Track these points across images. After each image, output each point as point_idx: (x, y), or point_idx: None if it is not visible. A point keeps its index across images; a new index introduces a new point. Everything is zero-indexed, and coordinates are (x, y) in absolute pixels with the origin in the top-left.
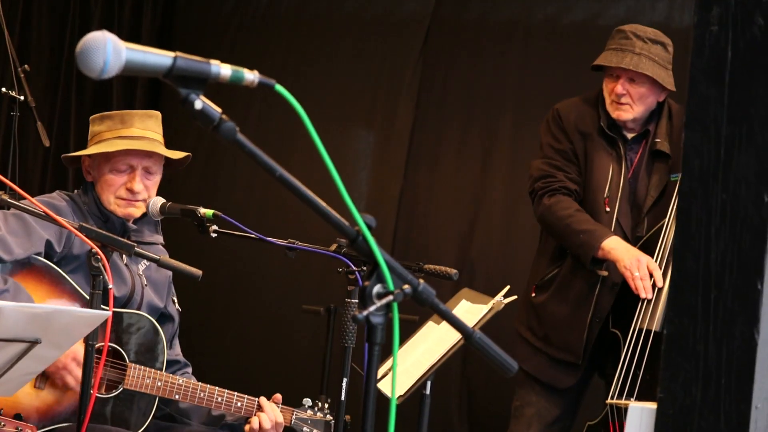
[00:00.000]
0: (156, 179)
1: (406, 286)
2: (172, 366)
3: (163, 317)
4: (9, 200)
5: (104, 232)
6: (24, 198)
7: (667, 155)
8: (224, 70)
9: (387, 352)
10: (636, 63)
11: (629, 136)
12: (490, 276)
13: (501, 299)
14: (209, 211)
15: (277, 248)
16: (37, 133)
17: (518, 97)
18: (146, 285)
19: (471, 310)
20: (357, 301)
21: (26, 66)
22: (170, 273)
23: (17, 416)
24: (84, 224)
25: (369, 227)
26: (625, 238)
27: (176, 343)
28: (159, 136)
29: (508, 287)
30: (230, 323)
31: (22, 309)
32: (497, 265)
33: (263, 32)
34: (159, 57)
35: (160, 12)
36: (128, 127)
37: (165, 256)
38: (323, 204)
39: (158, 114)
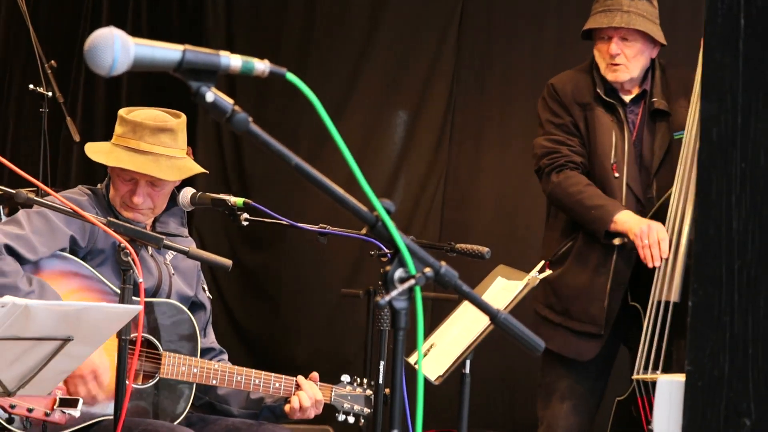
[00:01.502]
0: (164, 190)
1: (427, 270)
2: (208, 353)
3: (195, 305)
4: (33, 198)
5: (132, 227)
6: (48, 194)
7: (667, 113)
8: (234, 61)
9: (425, 332)
10: (627, 20)
11: (627, 99)
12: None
13: (536, 275)
14: (239, 200)
15: (310, 234)
16: (67, 129)
17: (557, 67)
18: (174, 274)
19: (507, 287)
20: None
21: (53, 62)
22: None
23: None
24: (112, 219)
25: (388, 212)
26: (637, 201)
27: (210, 330)
28: (171, 149)
29: (542, 262)
30: (268, 311)
31: (52, 307)
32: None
33: (294, 17)
34: (168, 51)
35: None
36: (137, 139)
37: (193, 247)
38: (341, 191)
39: (177, 123)
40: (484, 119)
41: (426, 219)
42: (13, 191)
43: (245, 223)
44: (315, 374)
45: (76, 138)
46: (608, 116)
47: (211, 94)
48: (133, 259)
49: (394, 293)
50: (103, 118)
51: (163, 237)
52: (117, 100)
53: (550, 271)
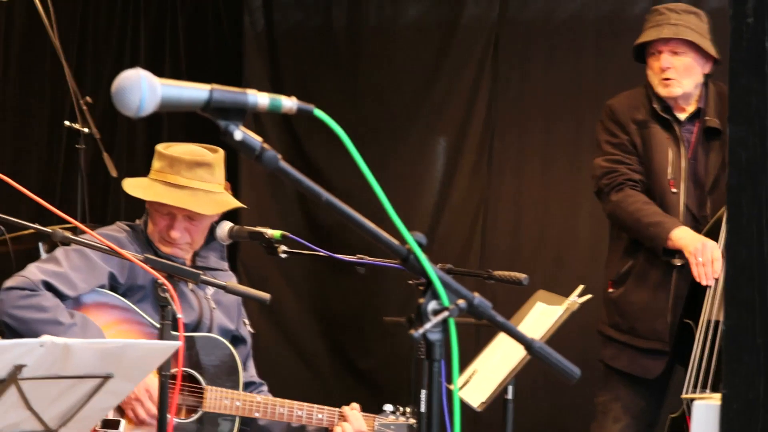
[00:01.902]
0: (202, 224)
1: (461, 301)
2: (248, 387)
3: (236, 339)
4: (69, 236)
5: (169, 263)
6: (85, 232)
7: (720, 131)
8: (261, 99)
9: (467, 360)
10: (675, 31)
11: (682, 117)
12: (581, 277)
13: (576, 299)
14: (277, 233)
15: (347, 264)
16: (104, 165)
17: (596, 92)
18: (215, 308)
19: (546, 312)
20: None
21: (87, 98)
22: None
23: None
24: (149, 256)
25: (419, 245)
26: (693, 218)
27: (251, 364)
28: (208, 184)
29: (581, 287)
30: (309, 341)
31: (91, 345)
32: (586, 266)
33: (333, 44)
34: (195, 91)
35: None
36: (174, 173)
37: (232, 281)
38: (371, 225)
39: (214, 158)
40: (523, 145)
41: (467, 246)
42: (50, 230)
43: (284, 256)
44: (356, 405)
45: (114, 173)
46: (664, 133)
47: (239, 133)
48: (171, 295)
49: (428, 325)
50: (143, 154)
51: (200, 272)
52: (158, 136)
53: (590, 296)
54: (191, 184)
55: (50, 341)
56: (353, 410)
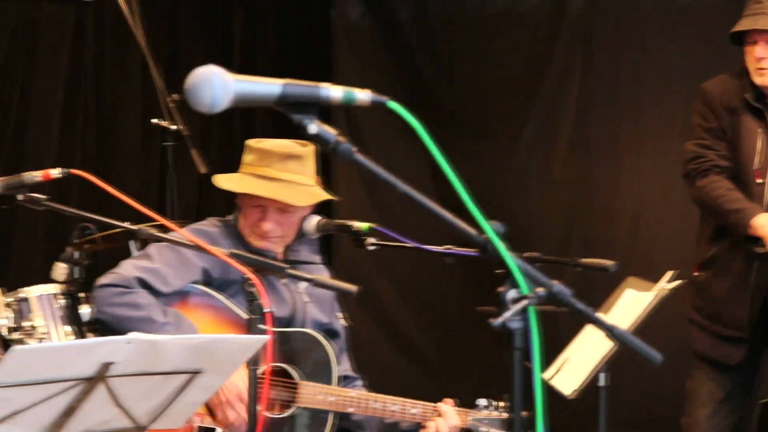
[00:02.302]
0: (295, 217)
1: (540, 289)
2: (343, 381)
3: (330, 333)
4: (154, 233)
5: (255, 257)
6: (172, 230)
7: None
8: (335, 92)
9: (558, 348)
10: None
11: None
12: (674, 263)
13: (665, 285)
14: (364, 225)
15: (429, 254)
16: (192, 161)
17: (687, 77)
18: (308, 302)
19: (636, 299)
20: None
21: (175, 95)
22: None
23: None
24: (235, 251)
25: (497, 234)
26: None
27: (345, 358)
28: (300, 176)
29: (671, 272)
30: (410, 334)
31: (180, 341)
32: (678, 253)
33: (425, 34)
34: (268, 86)
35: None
36: (265, 166)
37: (323, 275)
38: (449, 215)
39: (305, 151)
40: (615, 132)
41: (561, 234)
42: (136, 228)
43: (371, 248)
44: (450, 400)
45: (202, 170)
46: (755, 122)
47: (314, 126)
48: (258, 289)
49: (507, 314)
50: (235, 151)
51: (286, 266)
52: (251, 133)
53: (681, 281)
54: (282, 176)
55: (138, 338)
56: (447, 405)
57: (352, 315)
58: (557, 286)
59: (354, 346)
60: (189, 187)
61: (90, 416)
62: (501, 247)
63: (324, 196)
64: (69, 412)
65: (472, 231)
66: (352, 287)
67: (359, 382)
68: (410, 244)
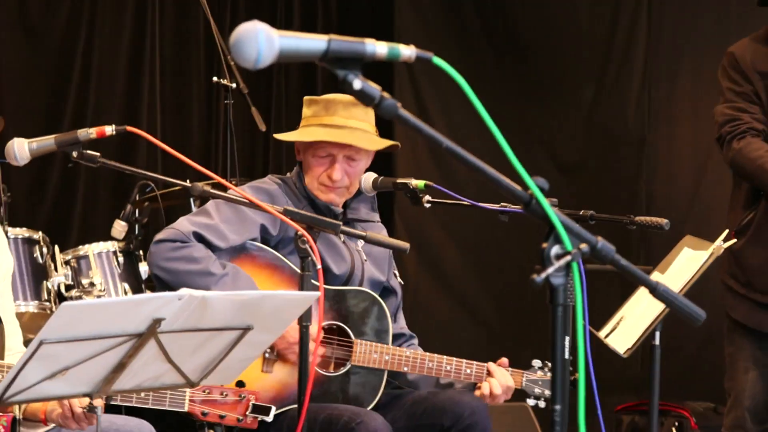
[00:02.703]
0: (360, 166)
1: (583, 245)
2: (398, 339)
3: (386, 291)
4: (208, 190)
5: (308, 214)
6: (227, 188)
7: None
8: (380, 48)
9: (612, 306)
10: None
11: None
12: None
13: (721, 244)
14: (421, 182)
15: (491, 213)
16: (253, 119)
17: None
18: (366, 260)
19: (693, 257)
20: None
21: None
22: None
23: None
24: (288, 207)
25: (541, 190)
26: None
27: (400, 316)
28: (365, 123)
29: (727, 231)
30: (471, 293)
31: (229, 297)
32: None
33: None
34: (313, 41)
35: None
36: (331, 114)
37: (378, 233)
38: (493, 171)
39: None
40: (676, 93)
41: (626, 193)
42: (189, 184)
43: (427, 206)
44: (504, 360)
45: (262, 128)
46: None
47: (358, 82)
48: (310, 246)
49: (550, 270)
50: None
51: (339, 223)
52: (312, 91)
53: (735, 240)
54: (349, 123)
55: (188, 294)
56: (500, 366)
57: (411, 273)
58: (601, 242)
59: (412, 305)
60: (249, 145)
61: (141, 372)
62: (544, 202)
63: (389, 142)
64: (119, 368)
65: (516, 187)
66: (404, 244)
67: (414, 341)
68: (466, 201)
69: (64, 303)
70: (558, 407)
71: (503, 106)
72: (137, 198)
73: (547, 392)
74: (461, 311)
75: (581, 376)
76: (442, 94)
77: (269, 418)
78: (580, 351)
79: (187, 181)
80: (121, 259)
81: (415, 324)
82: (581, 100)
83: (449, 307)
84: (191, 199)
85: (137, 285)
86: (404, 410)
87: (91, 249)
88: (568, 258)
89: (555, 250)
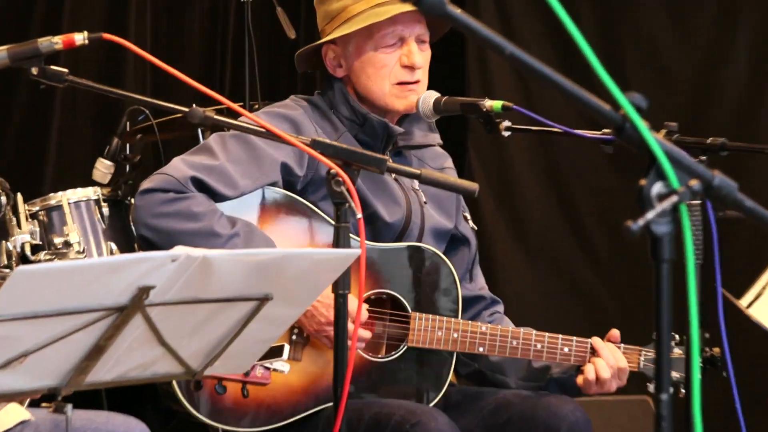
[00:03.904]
0: (428, 55)
1: (694, 182)
2: (475, 304)
3: (455, 241)
4: (211, 116)
5: (344, 146)
6: (241, 115)
7: None
8: None
9: (757, 268)
10: None
11: None
12: None
13: None
14: (497, 103)
15: (590, 142)
16: (277, 26)
17: None
18: (426, 203)
19: None
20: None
21: None
22: None
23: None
24: (318, 138)
25: (638, 109)
26: None
27: (477, 273)
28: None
29: None
30: (560, 246)
31: (240, 258)
32: None
33: None
34: None
35: None
36: None
37: (438, 163)
38: (572, 84)
39: None
40: None
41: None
42: (186, 109)
43: (507, 134)
44: (615, 333)
45: (291, 34)
46: None
47: None
48: (348, 189)
49: (650, 214)
50: None
51: (387, 159)
52: None
53: None
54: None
55: (185, 253)
56: (609, 342)
57: (488, 222)
58: (719, 177)
59: (488, 261)
60: (270, 58)
61: (124, 359)
62: (642, 125)
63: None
64: (96, 353)
65: (604, 106)
66: (471, 185)
67: (498, 308)
68: (557, 127)
69: (19, 268)
70: (665, 396)
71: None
72: (127, 129)
73: (675, 374)
74: (553, 271)
75: (694, 348)
76: None
77: (285, 366)
78: (693, 317)
79: (194, 106)
80: (105, 210)
81: (491, 283)
82: None
83: (537, 266)
84: (199, 131)
85: (128, 244)
86: (481, 417)
87: (66, 197)
88: (674, 199)
89: (657, 188)
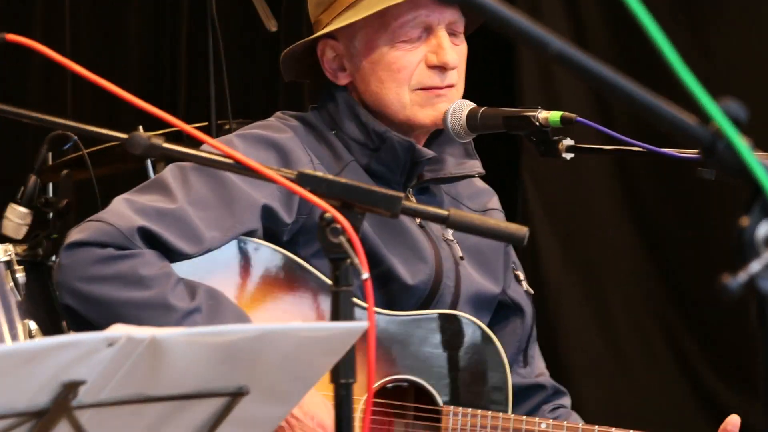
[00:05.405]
0: (464, 50)
1: None
2: (532, 396)
3: (503, 311)
4: (166, 146)
5: (342, 180)
6: (203, 143)
7: None
8: None
9: None
10: None
11: None
12: None
13: None
14: (555, 114)
15: (684, 165)
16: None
17: None
18: (463, 258)
19: None
20: None
21: None
22: None
23: None
24: (307, 171)
25: (736, 122)
26: None
27: (534, 353)
28: None
29: None
30: (598, 311)
31: (203, 339)
32: None
33: None
34: None
35: None
36: None
37: (488, 203)
38: (643, 92)
39: None
40: None
41: None
42: (125, 136)
43: (568, 156)
44: (734, 419)
45: (272, 27)
46: None
47: None
48: (349, 239)
49: (756, 266)
50: None
51: (402, 196)
52: None
53: None
54: None
55: (126, 335)
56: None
57: (551, 278)
58: None
59: (551, 331)
60: (247, 61)
61: None
62: (740, 143)
63: None
64: None
65: (687, 119)
66: (519, 230)
67: (562, 400)
68: (639, 145)
69: None
70: None
71: None
72: (48, 162)
73: None
74: (640, 343)
75: None
76: None
77: None
78: None
79: (139, 129)
80: (20, 275)
81: (555, 367)
82: None
83: (618, 337)
84: (149, 162)
85: (53, 324)
86: None
87: None
88: None
89: (765, 229)
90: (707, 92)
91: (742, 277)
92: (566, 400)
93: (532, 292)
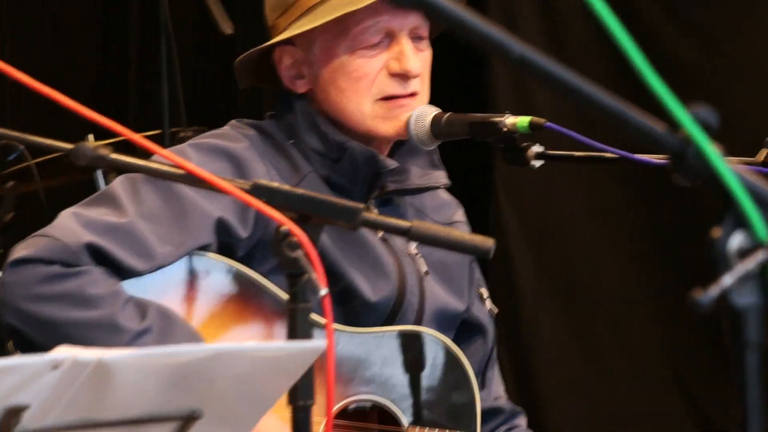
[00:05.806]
0: (428, 56)
1: None
2: (488, 420)
3: (466, 330)
4: (114, 157)
5: (299, 191)
6: (154, 153)
7: None
8: None
9: None
10: None
11: None
12: None
13: None
14: (523, 120)
15: (661, 172)
16: (206, 19)
17: None
18: (428, 273)
19: None
20: None
21: None
22: None
23: None
24: (261, 182)
25: (707, 127)
26: None
27: (493, 375)
28: None
29: None
30: (577, 325)
31: (153, 360)
32: None
33: None
34: None
35: None
36: None
37: (452, 215)
38: (608, 98)
39: None
40: None
41: None
42: (70, 146)
43: (537, 164)
44: None
45: (227, 29)
46: None
47: None
48: (307, 254)
49: (727, 279)
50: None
51: (362, 208)
52: None
53: None
54: None
55: (72, 357)
56: None
57: (527, 293)
58: None
59: (525, 350)
60: (201, 65)
61: None
62: (710, 151)
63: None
64: None
65: (654, 125)
66: (483, 242)
67: (518, 420)
68: (611, 151)
69: None
70: None
71: None
72: None
73: None
74: (623, 362)
75: None
76: None
77: None
78: None
79: (89, 138)
80: None
81: (531, 383)
82: None
83: (598, 356)
84: (100, 173)
85: None
86: None
87: None
88: (762, 256)
89: (736, 241)
90: (710, 95)
91: (714, 291)
92: (522, 420)
93: (496, 310)
